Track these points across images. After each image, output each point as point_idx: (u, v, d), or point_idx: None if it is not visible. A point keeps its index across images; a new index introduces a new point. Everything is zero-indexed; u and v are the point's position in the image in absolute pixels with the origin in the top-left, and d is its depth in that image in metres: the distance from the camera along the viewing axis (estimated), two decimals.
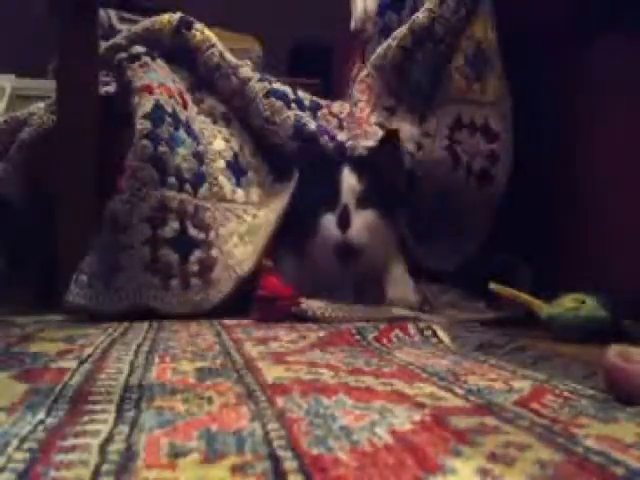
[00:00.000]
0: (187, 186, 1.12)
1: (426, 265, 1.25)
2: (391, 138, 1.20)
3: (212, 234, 1.13)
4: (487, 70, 1.29)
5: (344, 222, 1.09)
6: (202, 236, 1.11)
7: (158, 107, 1.12)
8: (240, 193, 1.23)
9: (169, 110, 1.13)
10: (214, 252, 1.12)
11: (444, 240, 1.29)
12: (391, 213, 1.15)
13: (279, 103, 1.28)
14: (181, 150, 1.13)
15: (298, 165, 1.23)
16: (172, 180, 1.10)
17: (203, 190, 1.16)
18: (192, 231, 1.10)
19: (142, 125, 1.09)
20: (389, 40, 1.33)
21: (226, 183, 1.21)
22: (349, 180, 1.12)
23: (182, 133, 1.15)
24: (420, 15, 1.29)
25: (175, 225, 1.08)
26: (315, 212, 1.12)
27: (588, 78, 1.18)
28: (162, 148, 1.09)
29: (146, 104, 1.11)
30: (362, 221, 1.10)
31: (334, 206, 1.11)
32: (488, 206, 1.30)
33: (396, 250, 1.20)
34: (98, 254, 1.05)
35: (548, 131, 1.25)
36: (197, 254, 1.09)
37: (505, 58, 1.29)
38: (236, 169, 1.25)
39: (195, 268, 1.09)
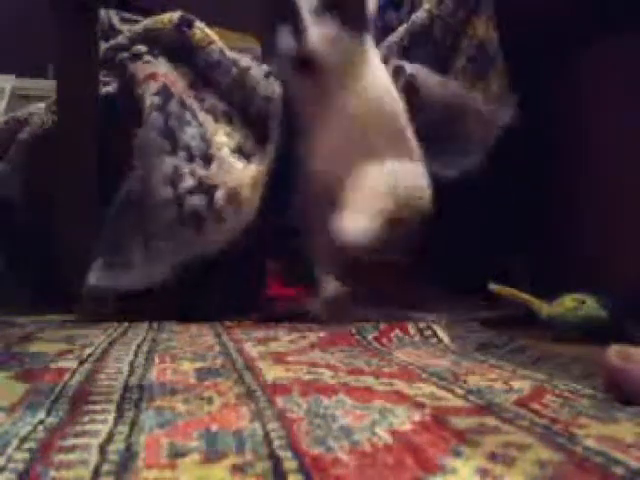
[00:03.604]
0: (198, 160, 1.12)
1: (431, 171, 1.18)
2: None
3: (230, 181, 1.12)
4: (490, 69, 1.28)
5: (299, 33, 1.02)
6: (221, 179, 1.10)
7: (165, 89, 1.13)
8: (253, 167, 1.22)
9: (175, 94, 1.14)
10: (237, 188, 1.10)
11: (447, 147, 1.25)
12: (360, 23, 1.08)
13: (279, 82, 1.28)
14: (189, 130, 1.13)
15: None
16: (182, 153, 1.10)
17: (214, 166, 1.15)
18: (209, 181, 1.10)
19: (152, 100, 1.10)
20: (389, 38, 1.32)
21: (236, 161, 1.21)
22: None
23: (189, 117, 1.15)
24: (419, 15, 1.29)
25: (191, 181, 1.08)
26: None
27: (588, 77, 1.18)
28: (172, 122, 1.10)
29: (153, 86, 1.13)
30: (322, 31, 1.02)
31: (288, 14, 1.04)
32: (489, 127, 1.24)
33: (369, 47, 1.13)
34: (117, 236, 1.05)
35: (548, 130, 1.25)
36: (220, 194, 1.09)
37: (505, 57, 1.29)
38: (240, 157, 1.25)
39: (222, 203, 1.08)
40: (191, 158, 1.11)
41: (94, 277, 1.01)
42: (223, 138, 1.25)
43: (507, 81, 1.28)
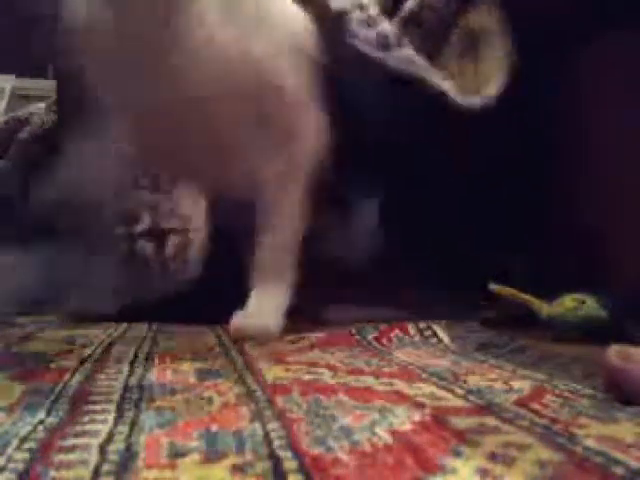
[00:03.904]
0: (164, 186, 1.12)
1: None
2: None
3: (189, 222, 1.12)
4: (480, 54, 1.25)
5: None
6: (177, 224, 1.10)
7: None
8: None
9: None
10: (190, 235, 1.10)
11: None
12: None
13: None
14: None
15: None
16: (145, 182, 1.09)
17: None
18: (166, 224, 1.09)
19: None
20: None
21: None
22: None
23: None
24: (410, 2, 1.27)
25: (147, 220, 1.08)
26: None
27: (588, 75, 1.18)
28: None
29: None
30: None
31: None
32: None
33: None
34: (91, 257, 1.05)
35: (548, 129, 1.25)
36: (172, 239, 1.09)
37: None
38: None
39: (171, 252, 1.08)
40: (155, 186, 1.10)
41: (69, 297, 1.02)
42: None
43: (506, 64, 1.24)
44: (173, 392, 0.54)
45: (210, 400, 0.51)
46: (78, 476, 0.35)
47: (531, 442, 0.41)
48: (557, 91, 1.24)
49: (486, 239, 1.29)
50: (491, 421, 0.46)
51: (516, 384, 0.59)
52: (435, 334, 0.87)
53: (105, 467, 0.36)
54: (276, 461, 0.37)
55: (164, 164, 0.99)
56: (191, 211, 1.08)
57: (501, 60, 1.23)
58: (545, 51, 1.22)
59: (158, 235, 1.07)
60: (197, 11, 0.72)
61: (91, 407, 0.49)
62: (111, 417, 0.46)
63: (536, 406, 0.51)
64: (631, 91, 1.09)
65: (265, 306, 0.86)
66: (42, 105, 1.27)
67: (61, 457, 0.38)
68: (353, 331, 0.88)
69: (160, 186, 1.09)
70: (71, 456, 0.38)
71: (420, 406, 0.50)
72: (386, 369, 0.64)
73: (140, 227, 1.07)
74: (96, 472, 0.36)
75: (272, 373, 0.61)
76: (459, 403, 0.52)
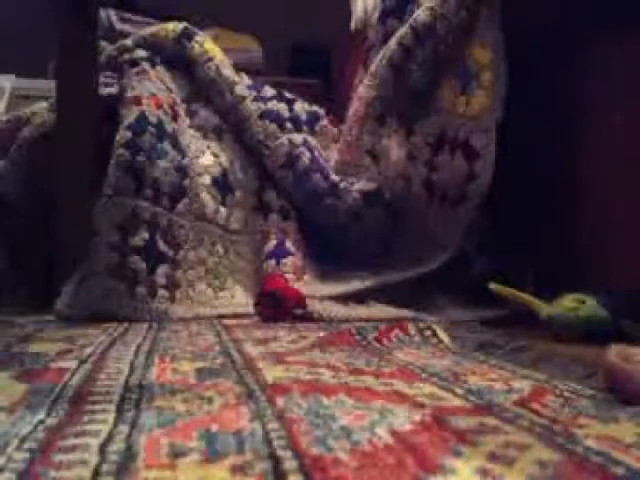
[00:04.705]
0: (164, 199, 1.12)
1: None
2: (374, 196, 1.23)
3: (181, 254, 1.13)
4: (473, 85, 1.25)
5: None
6: (171, 253, 1.11)
7: (142, 118, 1.12)
8: (223, 214, 1.22)
9: (154, 121, 1.13)
10: (179, 274, 1.11)
11: (420, 250, 1.25)
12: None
13: (273, 126, 1.27)
14: (162, 163, 1.12)
15: None
16: (148, 192, 1.09)
17: (181, 205, 1.15)
18: (162, 245, 1.10)
19: (121, 135, 1.10)
20: (390, 42, 1.31)
21: (209, 201, 1.20)
22: None
23: (166, 145, 1.14)
24: (421, 13, 1.27)
25: (145, 235, 1.07)
26: None
27: (588, 77, 1.18)
28: (140, 158, 1.09)
29: (130, 116, 1.12)
30: None
31: None
32: (460, 223, 1.24)
33: None
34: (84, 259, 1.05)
35: (548, 131, 1.25)
36: (164, 269, 1.09)
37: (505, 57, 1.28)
38: (223, 186, 1.23)
39: (162, 281, 1.08)
40: (157, 198, 1.10)
41: (61, 302, 1.02)
42: (209, 159, 1.23)
43: (493, 96, 1.24)
44: (173, 392, 0.54)
45: (210, 400, 0.51)
46: (78, 476, 0.35)
47: (531, 442, 0.41)
48: (557, 92, 1.24)
49: (486, 239, 1.29)
50: (491, 421, 0.46)
51: (516, 384, 0.59)
52: (435, 334, 0.87)
53: (105, 467, 0.36)
54: (276, 461, 0.37)
55: None
56: None
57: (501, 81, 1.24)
58: (545, 53, 1.22)
59: (155, 257, 1.10)
60: None
61: (91, 407, 0.49)
62: (111, 417, 0.46)
63: (536, 406, 0.51)
64: (632, 91, 1.08)
65: None
66: (43, 104, 1.27)
67: (61, 457, 0.38)
68: (353, 331, 0.87)
69: None
70: (71, 456, 0.38)
71: (420, 406, 0.50)
72: (386, 369, 0.64)
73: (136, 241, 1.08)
74: (96, 472, 0.36)
75: (272, 373, 0.61)
76: (459, 403, 0.52)
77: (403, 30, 1.28)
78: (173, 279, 1.10)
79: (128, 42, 1.30)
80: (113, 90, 1.25)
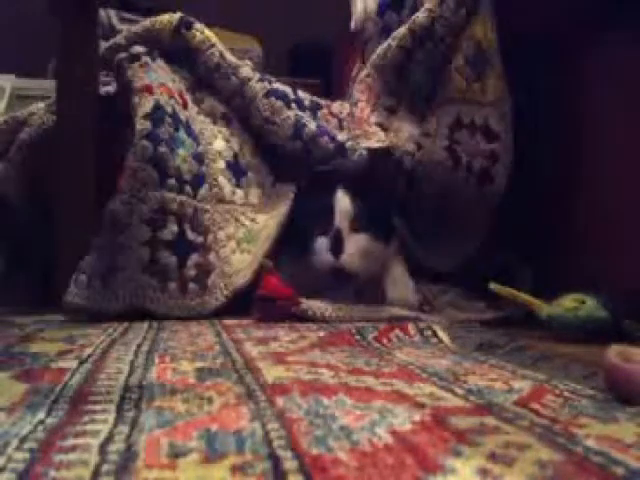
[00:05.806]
0: (187, 187, 1.12)
1: (427, 265, 1.25)
2: (383, 154, 1.22)
3: (210, 237, 1.13)
4: (487, 70, 1.29)
5: (337, 248, 1.08)
6: (200, 240, 1.11)
7: (158, 107, 1.12)
8: (240, 194, 1.23)
9: (169, 110, 1.13)
10: (211, 257, 1.11)
11: (444, 240, 1.29)
12: (385, 234, 1.14)
13: (279, 103, 1.28)
14: (181, 151, 1.13)
15: (295, 182, 1.23)
16: (172, 181, 1.09)
17: (203, 191, 1.15)
18: (190, 235, 1.10)
19: (142, 125, 1.09)
20: (389, 40, 1.33)
21: (226, 184, 1.21)
22: (342, 203, 1.11)
23: (182, 134, 1.15)
24: (420, 15, 1.29)
25: (174, 228, 1.08)
26: (309, 233, 1.11)
27: (588, 78, 1.18)
28: (162, 149, 1.09)
29: (146, 104, 1.11)
30: (355, 246, 1.09)
31: (327, 229, 1.10)
32: (488, 206, 1.29)
33: (394, 253, 1.19)
34: (97, 254, 1.04)
35: (548, 131, 1.25)
36: (195, 258, 1.09)
37: (505, 58, 1.29)
38: (236, 169, 1.25)
39: (192, 273, 1.08)
40: (181, 187, 1.11)
41: (70, 294, 1.02)
42: (221, 144, 1.25)
43: (504, 83, 1.29)
44: (173, 392, 0.54)
45: (210, 400, 0.51)
46: (78, 476, 0.35)
47: (531, 442, 0.41)
48: (558, 93, 1.24)
49: (486, 239, 1.29)
50: (491, 421, 0.46)
51: (516, 384, 0.59)
52: (435, 334, 0.87)
53: (105, 467, 0.36)
54: (276, 461, 0.37)
55: None
56: None
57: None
58: (545, 53, 1.22)
59: (185, 250, 1.10)
60: None
61: (91, 407, 0.49)
62: (111, 417, 0.46)
63: (536, 406, 0.51)
64: (633, 92, 1.08)
65: None
66: (42, 105, 1.27)
67: (61, 457, 0.38)
68: (353, 331, 0.88)
69: None
70: (71, 456, 0.38)
71: (420, 406, 0.50)
72: (386, 369, 0.64)
73: (165, 235, 1.08)
74: (96, 472, 0.36)
75: (272, 373, 0.61)
76: (459, 403, 0.52)
77: (402, 32, 1.30)
78: (204, 266, 1.10)
79: (121, 40, 1.29)
80: (110, 89, 1.24)
